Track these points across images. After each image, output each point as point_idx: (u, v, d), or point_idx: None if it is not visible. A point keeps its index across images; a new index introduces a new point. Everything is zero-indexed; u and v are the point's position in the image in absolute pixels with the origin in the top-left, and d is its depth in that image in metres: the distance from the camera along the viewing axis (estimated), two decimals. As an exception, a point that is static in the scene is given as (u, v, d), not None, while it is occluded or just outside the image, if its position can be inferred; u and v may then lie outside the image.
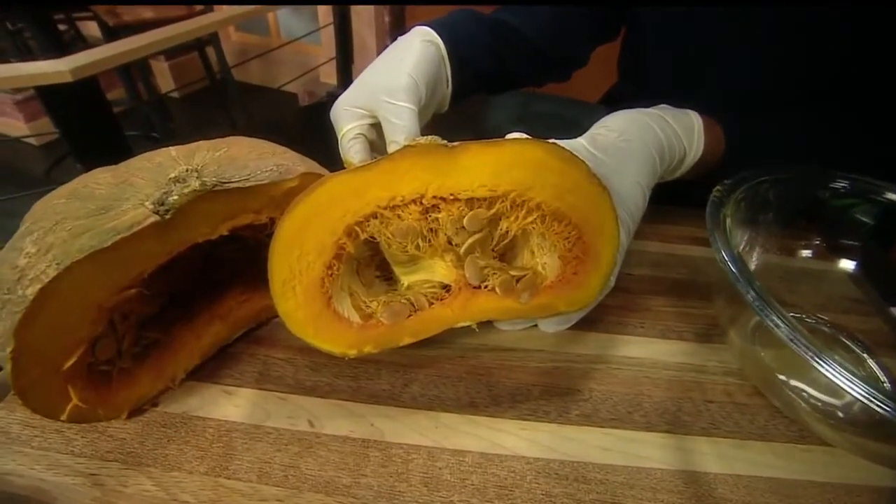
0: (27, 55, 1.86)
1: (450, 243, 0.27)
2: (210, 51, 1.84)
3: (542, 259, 0.28)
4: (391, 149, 0.31)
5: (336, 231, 0.24)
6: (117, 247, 0.21)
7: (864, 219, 0.32)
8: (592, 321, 0.33)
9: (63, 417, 0.23)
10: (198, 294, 0.30)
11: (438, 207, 0.25)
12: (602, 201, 0.26)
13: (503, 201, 0.25)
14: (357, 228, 0.24)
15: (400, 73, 0.33)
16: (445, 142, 0.25)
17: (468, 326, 0.26)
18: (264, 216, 0.27)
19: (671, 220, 0.40)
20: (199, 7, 1.78)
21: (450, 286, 0.27)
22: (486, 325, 0.32)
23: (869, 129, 0.40)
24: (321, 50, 1.68)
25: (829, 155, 0.32)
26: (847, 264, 0.33)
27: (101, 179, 0.24)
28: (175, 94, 2.40)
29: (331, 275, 0.24)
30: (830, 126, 0.39)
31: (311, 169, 0.28)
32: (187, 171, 0.24)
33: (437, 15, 0.44)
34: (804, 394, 0.28)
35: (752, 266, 0.32)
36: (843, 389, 0.20)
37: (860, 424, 0.27)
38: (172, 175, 0.24)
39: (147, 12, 1.70)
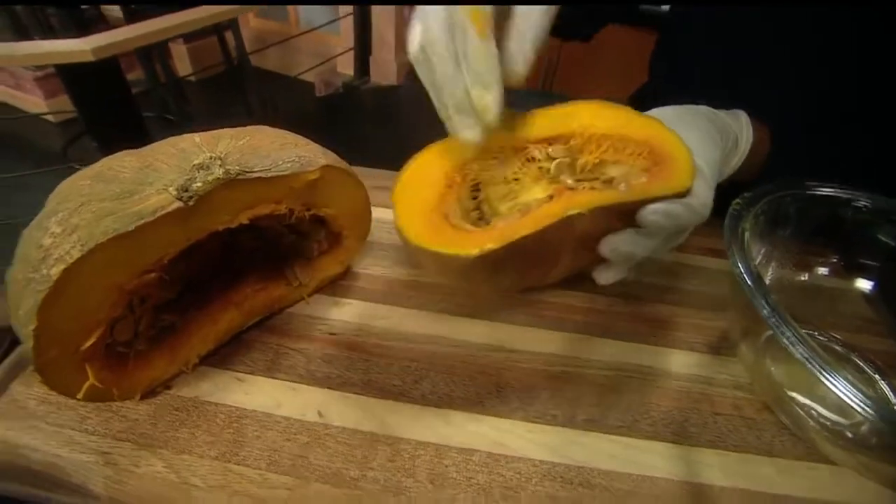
0: (49, 33, 1.88)
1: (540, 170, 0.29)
2: (228, 36, 1.84)
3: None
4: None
5: (447, 174, 0.28)
6: (140, 231, 0.22)
7: (885, 239, 0.31)
8: (603, 327, 0.33)
9: (79, 396, 0.24)
10: (214, 281, 0.30)
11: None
12: (657, 126, 0.29)
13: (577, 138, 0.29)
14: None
15: None
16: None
17: (579, 214, 0.25)
18: (284, 206, 0.27)
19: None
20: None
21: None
22: (497, 323, 0.32)
23: None
24: (339, 40, 1.68)
25: (869, 173, 0.31)
26: (864, 284, 0.32)
27: (125, 163, 0.25)
28: (192, 78, 2.41)
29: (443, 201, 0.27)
30: (876, 145, 0.38)
31: (332, 162, 0.28)
32: (211, 158, 0.24)
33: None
34: (813, 412, 0.27)
35: (768, 280, 0.32)
36: (853, 408, 0.20)
37: (869, 445, 0.27)
38: (196, 162, 0.24)
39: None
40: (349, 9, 1.54)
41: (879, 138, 0.39)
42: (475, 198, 0.29)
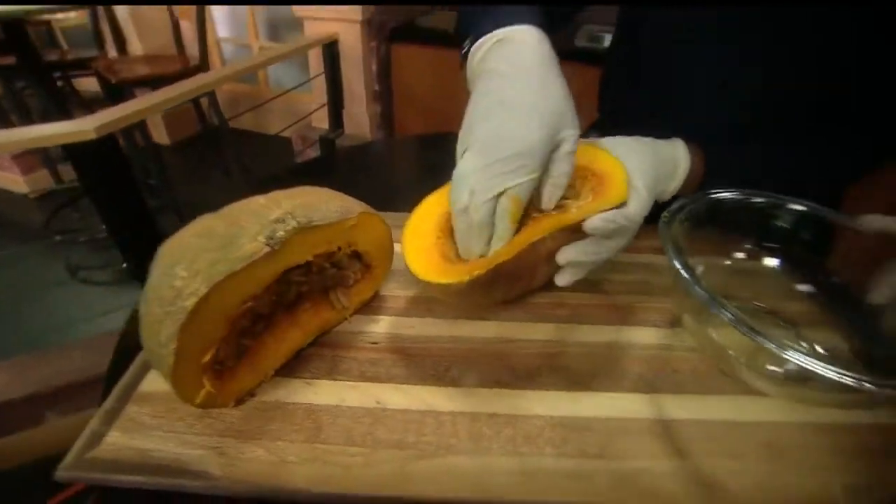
0: (25, 115, 1.94)
1: None
2: (203, 100, 1.94)
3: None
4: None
5: (439, 218, 0.38)
6: (243, 271, 0.29)
7: (783, 225, 0.41)
8: (582, 316, 0.41)
9: (197, 402, 0.31)
10: (276, 309, 0.38)
11: None
12: (602, 153, 0.39)
13: None
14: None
15: (566, 96, 0.36)
16: None
17: (543, 238, 0.35)
18: (334, 245, 0.35)
19: (636, 235, 0.50)
20: (192, 62, 1.88)
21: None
22: (501, 322, 0.40)
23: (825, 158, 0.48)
24: (312, 97, 1.80)
25: (788, 180, 0.41)
26: (773, 262, 0.43)
27: (214, 223, 0.33)
28: (166, 143, 2.48)
29: (439, 242, 0.37)
30: (796, 154, 0.48)
31: (365, 209, 0.37)
32: (285, 214, 0.32)
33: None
34: (743, 360, 0.37)
35: (700, 268, 0.41)
36: (774, 353, 0.29)
37: (788, 380, 0.36)
38: (273, 217, 0.32)
39: (143, 69, 1.80)
40: (320, 68, 1.66)
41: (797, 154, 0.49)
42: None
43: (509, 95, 0.34)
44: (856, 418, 0.34)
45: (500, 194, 0.33)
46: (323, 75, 1.65)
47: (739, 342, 0.37)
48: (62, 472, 0.30)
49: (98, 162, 0.98)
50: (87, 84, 2.10)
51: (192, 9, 1.86)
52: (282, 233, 0.31)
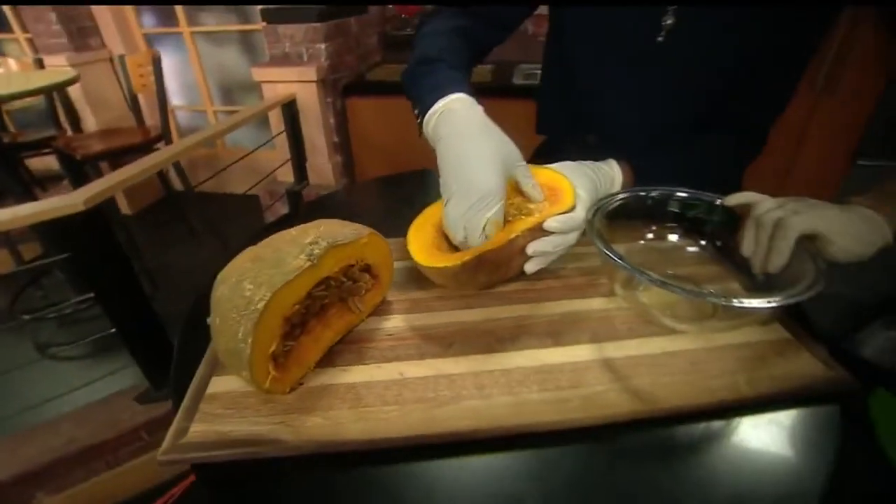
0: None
1: None
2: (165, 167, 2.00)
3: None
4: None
5: (436, 223, 0.52)
6: (294, 279, 0.40)
7: (674, 209, 0.56)
8: (547, 296, 0.53)
9: (266, 386, 0.40)
10: (309, 318, 0.47)
11: None
12: (555, 174, 0.54)
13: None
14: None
15: (507, 140, 0.51)
16: None
17: (517, 235, 0.48)
18: (353, 259, 0.46)
19: (585, 232, 0.63)
20: (153, 132, 1.96)
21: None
22: (485, 308, 0.51)
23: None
24: (275, 154, 1.91)
25: (695, 177, 0.55)
26: (673, 237, 0.57)
27: (262, 251, 0.43)
28: (128, 212, 2.50)
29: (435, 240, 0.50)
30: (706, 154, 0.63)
31: (373, 232, 0.48)
32: (316, 238, 0.43)
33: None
34: (665, 311, 0.49)
35: (621, 251, 0.55)
36: (686, 300, 0.41)
37: (696, 319, 0.49)
38: (307, 241, 0.43)
39: (105, 143, 1.86)
40: (281, 127, 1.78)
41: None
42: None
43: (468, 152, 0.49)
44: (750, 337, 0.47)
45: (485, 224, 0.48)
46: (284, 133, 1.77)
47: (660, 299, 0.51)
48: (161, 457, 0.38)
49: (87, 232, 1.04)
50: (38, 164, 2.12)
51: (151, 80, 1.96)
52: (318, 251, 0.41)
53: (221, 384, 0.44)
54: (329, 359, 0.46)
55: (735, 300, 0.40)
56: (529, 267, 0.50)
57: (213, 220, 2.29)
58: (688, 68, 0.60)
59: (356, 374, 0.44)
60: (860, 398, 0.61)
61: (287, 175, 1.89)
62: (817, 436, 0.40)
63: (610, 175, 0.60)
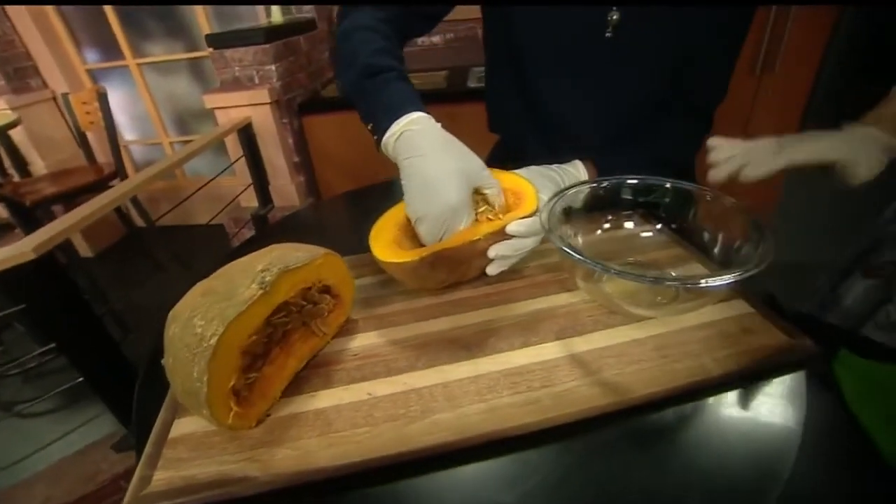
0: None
1: None
2: (123, 203, 1.94)
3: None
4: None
5: (399, 222, 0.54)
6: (246, 311, 0.38)
7: (627, 196, 0.56)
8: (513, 297, 0.53)
9: (229, 422, 0.38)
10: (271, 347, 0.46)
11: None
12: (518, 178, 0.55)
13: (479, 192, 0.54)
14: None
15: (467, 152, 0.52)
16: None
17: (478, 238, 0.48)
18: (309, 282, 0.45)
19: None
20: (107, 170, 1.90)
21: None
22: (451, 316, 0.51)
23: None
24: (236, 180, 1.87)
25: (651, 169, 0.56)
26: (629, 224, 0.58)
27: (213, 284, 0.41)
28: (89, 255, 2.41)
29: (396, 238, 0.52)
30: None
31: (328, 251, 0.47)
32: (268, 264, 0.42)
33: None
34: (627, 300, 0.50)
35: (580, 242, 0.55)
36: (649, 287, 0.42)
37: (660, 304, 0.50)
38: (258, 269, 0.42)
39: (57, 186, 1.79)
40: (239, 152, 1.75)
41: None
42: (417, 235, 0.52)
43: (432, 172, 0.49)
44: (714, 315, 0.48)
45: None
46: (244, 158, 1.73)
47: (623, 288, 0.51)
48: (123, 511, 0.36)
49: (40, 280, 1.00)
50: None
51: (98, 117, 1.90)
52: (270, 277, 0.40)
53: (184, 426, 0.43)
54: (296, 386, 0.45)
55: (693, 282, 0.40)
56: (491, 269, 0.51)
57: (180, 254, 2.24)
58: (639, 60, 0.62)
59: (324, 399, 0.43)
60: (825, 362, 0.63)
61: (251, 200, 1.86)
62: (786, 404, 0.41)
63: (575, 176, 0.61)
